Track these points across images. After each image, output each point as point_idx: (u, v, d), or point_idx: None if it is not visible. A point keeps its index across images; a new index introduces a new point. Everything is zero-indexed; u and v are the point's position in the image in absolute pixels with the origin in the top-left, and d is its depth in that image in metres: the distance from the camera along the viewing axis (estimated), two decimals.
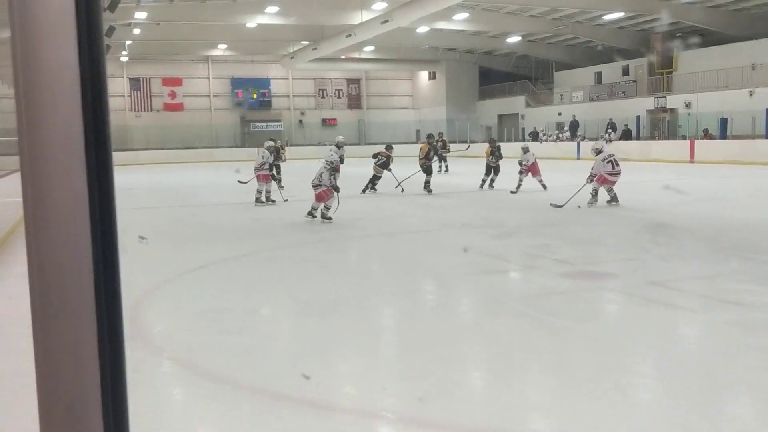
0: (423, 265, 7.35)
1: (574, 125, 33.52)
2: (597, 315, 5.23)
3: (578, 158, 28.68)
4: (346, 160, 14.85)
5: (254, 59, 42.69)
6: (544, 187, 14.57)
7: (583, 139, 30.82)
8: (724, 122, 26.98)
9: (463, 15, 31.23)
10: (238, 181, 15.79)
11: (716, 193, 14.48)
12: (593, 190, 11.67)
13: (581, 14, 32.20)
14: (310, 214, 10.50)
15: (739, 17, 29.87)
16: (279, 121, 44.19)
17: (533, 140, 33.97)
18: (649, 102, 32.30)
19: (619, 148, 25.08)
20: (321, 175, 10.27)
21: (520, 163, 14.85)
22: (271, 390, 3.67)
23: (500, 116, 43.22)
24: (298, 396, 3.57)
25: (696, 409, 3.30)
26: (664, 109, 31.54)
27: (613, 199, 11.62)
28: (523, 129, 38.56)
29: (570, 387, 3.63)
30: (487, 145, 16.29)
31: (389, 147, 15.78)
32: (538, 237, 9.05)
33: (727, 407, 3.44)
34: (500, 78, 43.33)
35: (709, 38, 31.30)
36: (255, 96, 44.32)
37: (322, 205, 10.34)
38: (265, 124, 42.86)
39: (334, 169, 10.39)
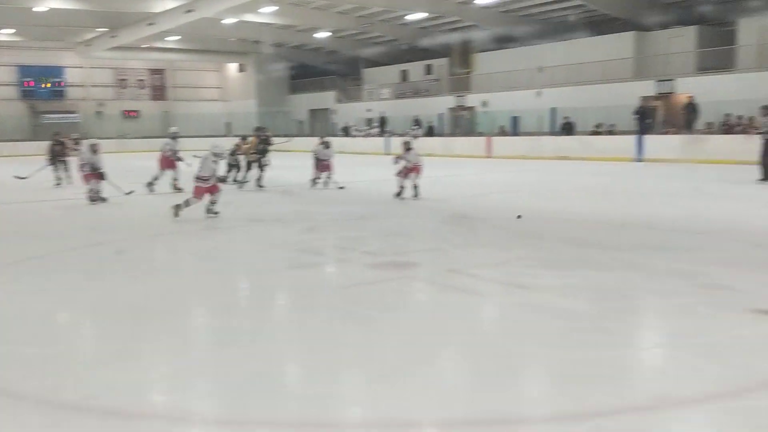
0: (233, 261, 7.23)
1: (383, 121, 34.64)
2: (402, 303, 5.45)
3: (387, 153, 29.66)
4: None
5: (45, 46, 39.34)
6: (326, 184, 14.57)
7: (392, 134, 31.92)
8: (515, 120, 29.27)
9: (270, 8, 31.00)
10: (15, 177, 14.64)
11: (510, 185, 15.67)
12: (414, 184, 12.24)
13: (386, 13, 33.28)
14: (178, 207, 9.68)
15: (528, 22, 32.50)
16: (75, 112, 41.16)
17: (345, 135, 34.65)
18: (450, 100, 34.19)
19: (424, 144, 26.37)
20: (206, 167, 9.71)
21: (317, 158, 14.88)
22: (66, 402, 3.43)
23: (312, 111, 43.58)
24: (97, 406, 3.37)
25: (499, 388, 3.54)
26: (464, 107, 33.58)
27: (415, 193, 12.33)
28: (334, 124, 39.16)
29: (380, 375, 3.76)
30: (317, 139, 16.41)
31: (244, 138, 15.44)
32: (348, 230, 9.25)
33: (525, 383, 3.75)
34: (311, 73, 43.66)
35: (502, 41, 33.74)
36: (48, 85, 40.95)
37: (200, 201, 9.76)
38: (59, 115, 39.66)
39: (217, 161, 9.94)
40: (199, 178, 9.75)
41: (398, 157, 12.61)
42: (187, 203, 9.72)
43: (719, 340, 4.25)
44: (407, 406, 3.35)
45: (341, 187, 14.20)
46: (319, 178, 14.72)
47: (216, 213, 9.99)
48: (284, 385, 3.77)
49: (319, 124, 40.66)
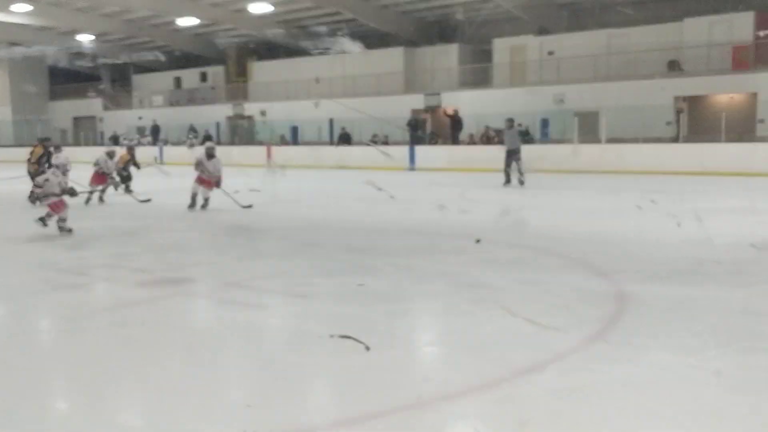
0: None
1: (156, 130, 33.14)
2: (177, 322, 5.21)
3: (161, 163, 28.44)
4: None
5: None
6: (99, 199, 13.54)
7: (166, 143, 30.66)
8: (295, 130, 29.58)
9: (25, 7, 28.34)
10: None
11: (290, 194, 15.75)
12: (205, 196, 11.86)
13: (155, 18, 31.94)
14: (61, 228, 9.22)
15: (303, 34, 32.99)
16: None
17: (114, 144, 32.60)
18: (227, 109, 33.66)
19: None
20: (50, 182, 9.09)
21: (100, 170, 13.77)
22: None
23: (76, 118, 40.58)
24: None
25: (279, 400, 3.51)
26: (242, 116, 33.24)
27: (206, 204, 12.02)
28: (102, 133, 36.79)
29: (156, 399, 3.58)
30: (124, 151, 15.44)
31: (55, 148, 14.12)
32: (116, 246, 8.68)
33: (305, 393, 3.72)
34: (75, 78, 40.65)
35: (280, 51, 33.96)
36: None
37: (57, 217, 9.11)
38: None
39: (64, 173, 9.35)
40: (44, 196, 9.29)
41: (198, 164, 12.01)
42: (63, 220, 9.22)
43: (478, 335, 4.59)
44: (187, 428, 3.21)
45: (146, 200, 13.35)
46: (96, 191, 13.54)
47: (69, 230, 9.25)
48: (48, 419, 3.42)
49: (84, 132, 37.92)
